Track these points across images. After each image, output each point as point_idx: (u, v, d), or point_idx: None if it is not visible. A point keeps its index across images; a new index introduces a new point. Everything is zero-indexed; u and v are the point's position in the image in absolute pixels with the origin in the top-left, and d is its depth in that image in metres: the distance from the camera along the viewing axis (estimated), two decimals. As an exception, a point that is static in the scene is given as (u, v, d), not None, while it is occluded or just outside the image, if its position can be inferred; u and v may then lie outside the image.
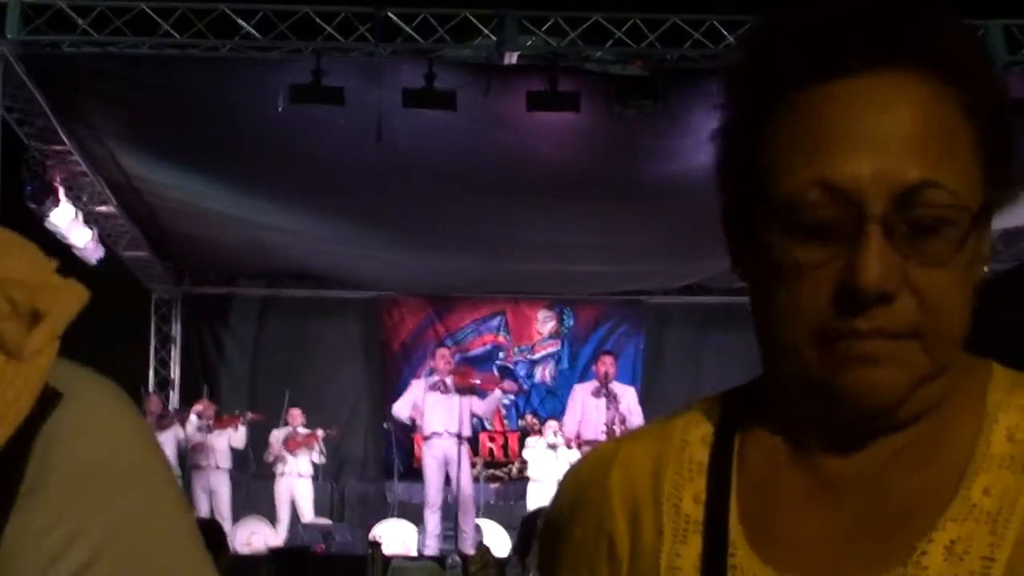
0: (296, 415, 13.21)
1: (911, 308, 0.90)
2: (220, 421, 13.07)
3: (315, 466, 13.30)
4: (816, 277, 0.91)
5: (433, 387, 11.56)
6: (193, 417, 13.18)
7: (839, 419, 0.95)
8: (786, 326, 0.93)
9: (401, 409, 11.90)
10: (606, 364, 11.54)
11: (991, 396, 0.98)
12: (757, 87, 0.95)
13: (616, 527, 1.03)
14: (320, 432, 13.21)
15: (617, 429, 11.09)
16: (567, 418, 11.96)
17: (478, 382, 11.87)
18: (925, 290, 0.90)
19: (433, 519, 11.53)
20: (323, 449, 13.29)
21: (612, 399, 11.18)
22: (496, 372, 14.74)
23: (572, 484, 1.09)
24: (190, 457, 13.10)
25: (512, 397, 15.59)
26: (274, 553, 11.02)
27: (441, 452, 11.41)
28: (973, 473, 0.94)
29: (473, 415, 11.65)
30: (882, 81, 0.91)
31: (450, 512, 11.58)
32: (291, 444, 13.05)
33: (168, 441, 13.09)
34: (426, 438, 11.61)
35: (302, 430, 13.20)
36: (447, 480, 11.42)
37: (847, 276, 0.89)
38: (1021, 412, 0.97)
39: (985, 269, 0.96)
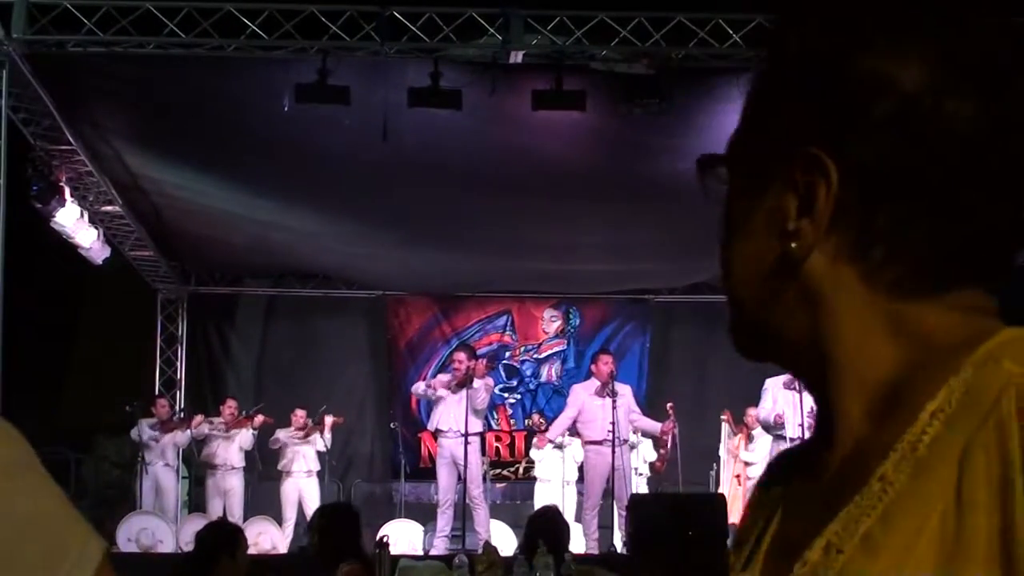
0: (300, 416, 13.20)
1: None
2: (235, 422, 13.07)
3: (321, 463, 13.27)
4: None
5: (444, 386, 11.55)
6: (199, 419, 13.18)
7: None
8: None
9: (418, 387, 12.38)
10: (609, 363, 11.48)
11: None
12: None
13: None
14: (328, 419, 13.18)
15: (621, 426, 11.06)
16: (562, 415, 11.90)
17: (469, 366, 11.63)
18: None
19: (444, 518, 11.53)
20: (328, 444, 13.25)
21: (621, 398, 11.16)
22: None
23: None
24: (205, 458, 13.10)
25: (517, 393, 15.58)
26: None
27: (449, 452, 11.40)
28: (884, 462, 0.85)
29: (475, 411, 11.59)
30: None
31: (459, 512, 11.57)
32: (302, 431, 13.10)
33: (181, 443, 13.10)
34: (437, 437, 11.63)
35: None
36: (459, 479, 11.40)
37: None
38: (949, 390, 0.84)
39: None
